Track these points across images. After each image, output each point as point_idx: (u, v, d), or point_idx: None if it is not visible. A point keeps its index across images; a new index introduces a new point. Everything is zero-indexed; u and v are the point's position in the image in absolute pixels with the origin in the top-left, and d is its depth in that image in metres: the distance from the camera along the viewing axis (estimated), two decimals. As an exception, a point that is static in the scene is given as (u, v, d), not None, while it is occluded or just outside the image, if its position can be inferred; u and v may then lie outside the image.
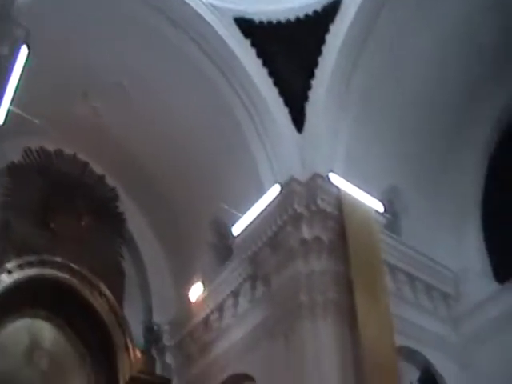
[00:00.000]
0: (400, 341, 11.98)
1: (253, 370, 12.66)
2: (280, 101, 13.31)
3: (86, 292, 14.38)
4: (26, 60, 10.05)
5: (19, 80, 10.17)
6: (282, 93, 13.35)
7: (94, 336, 14.50)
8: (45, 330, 14.25)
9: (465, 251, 14.91)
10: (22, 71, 10.11)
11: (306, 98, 13.25)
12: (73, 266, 14.31)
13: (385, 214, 13.13)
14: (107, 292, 14.59)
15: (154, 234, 16.48)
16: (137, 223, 16.43)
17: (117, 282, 15.23)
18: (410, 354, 13.06)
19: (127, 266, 16.00)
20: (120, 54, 13.37)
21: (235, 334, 13.42)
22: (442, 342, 13.80)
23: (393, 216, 14.01)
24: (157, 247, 16.44)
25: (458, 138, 15.08)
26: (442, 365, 13.48)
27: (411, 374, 12.64)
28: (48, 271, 14.02)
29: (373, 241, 12.23)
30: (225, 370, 13.46)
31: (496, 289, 13.98)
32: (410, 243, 14.03)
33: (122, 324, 14.53)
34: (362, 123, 13.35)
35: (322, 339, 11.15)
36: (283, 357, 11.49)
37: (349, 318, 11.31)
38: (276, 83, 13.35)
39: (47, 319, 14.32)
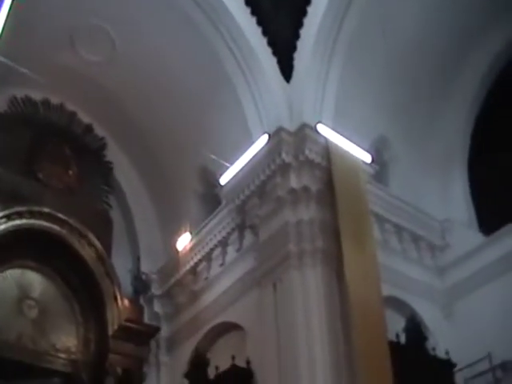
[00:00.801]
0: (386, 290, 12.14)
1: (241, 318, 12.80)
2: (268, 50, 13.22)
3: (75, 242, 14.45)
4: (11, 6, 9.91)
5: (3, 26, 10.02)
6: (271, 42, 13.25)
7: (83, 286, 14.62)
8: (34, 281, 14.34)
9: (451, 202, 15.09)
10: (7, 17, 9.97)
11: (294, 47, 13.16)
12: (61, 216, 14.34)
13: (372, 165, 13.17)
14: (95, 242, 14.65)
15: (142, 184, 16.49)
16: (125, 173, 16.44)
17: (105, 232, 15.30)
18: (396, 304, 13.26)
19: (115, 215, 16.08)
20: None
21: (223, 284, 13.55)
22: (427, 292, 14.06)
23: (380, 166, 14.06)
24: (144, 197, 16.48)
25: (446, 87, 15.13)
26: (427, 314, 13.73)
27: (397, 323, 12.67)
28: (36, 222, 14.06)
29: (360, 191, 12.30)
30: (213, 318, 13.60)
31: (481, 241, 14.17)
32: (397, 194, 14.18)
33: (110, 273, 14.62)
34: (350, 73, 13.26)
35: (310, 288, 11.26)
36: (272, 306, 11.61)
37: (336, 266, 11.43)
38: (264, 32, 13.23)
39: (36, 269, 14.41)
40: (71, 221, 14.47)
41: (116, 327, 14.24)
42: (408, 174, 14.87)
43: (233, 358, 12.04)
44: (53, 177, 15.08)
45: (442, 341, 13.45)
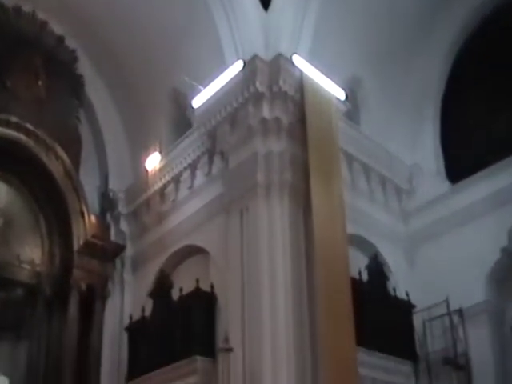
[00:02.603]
0: (352, 229, 12.51)
1: (207, 243, 13.06)
2: (247, -23, 13.05)
3: (42, 154, 14.54)
4: None
5: None
6: (249, -31, 13.05)
7: (49, 200, 14.81)
8: (0, 191, 14.53)
9: (420, 148, 15.37)
10: None
11: (273, -25, 13.00)
12: (29, 126, 14.38)
13: (345, 102, 13.27)
14: (63, 155, 14.73)
15: (113, 102, 16.41)
16: (95, 88, 16.29)
17: (73, 147, 15.33)
18: (360, 243, 13.71)
19: (84, 131, 16.05)
20: None
21: (191, 207, 13.73)
22: (391, 235, 14.54)
23: (353, 106, 14.20)
24: (115, 115, 16.42)
25: (423, 30, 15.13)
26: (390, 256, 14.25)
27: (360, 262, 13.18)
28: (4, 130, 14.12)
29: (331, 127, 12.42)
30: (179, 241, 13.86)
31: (448, 188, 14.57)
32: (368, 133, 14.37)
33: (78, 189, 14.78)
34: (329, 7, 13.16)
35: (276, 218, 11.53)
36: (237, 232, 11.90)
37: (303, 201, 11.69)
38: (243, -41, 13.03)
39: (3, 180, 14.59)
40: (39, 132, 14.51)
41: (82, 243, 14.50)
42: (380, 116, 15.02)
43: (197, 281, 12.37)
44: (22, 87, 14.92)
45: (403, 282, 14.05)
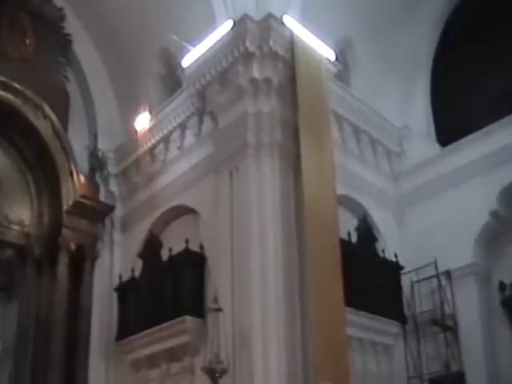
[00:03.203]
0: (341, 189, 12.61)
1: (196, 203, 13.13)
2: None
3: (30, 113, 14.47)
4: None
5: None
6: None
7: (38, 159, 14.79)
8: (-12, 152, 14.43)
9: (411, 110, 15.43)
10: None
11: None
12: (16, 85, 14.28)
13: (336, 63, 13.21)
14: (51, 115, 14.65)
15: (101, 61, 16.28)
16: (84, 47, 16.16)
17: (61, 106, 15.25)
18: (350, 203, 13.81)
19: (72, 90, 15.94)
20: None
21: (180, 167, 13.77)
22: (381, 196, 14.63)
23: (344, 67, 14.12)
24: (103, 74, 16.31)
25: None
26: (379, 217, 14.37)
27: (350, 223, 13.32)
28: (-9, 90, 13.95)
29: (322, 88, 12.40)
30: (168, 201, 13.92)
31: (438, 151, 14.66)
32: (358, 95, 14.33)
33: (66, 148, 14.72)
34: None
35: (266, 179, 11.58)
36: (227, 193, 11.94)
37: (293, 161, 11.73)
38: None
39: (-10, 140, 14.46)
40: (27, 91, 14.39)
41: (71, 203, 14.51)
42: (370, 78, 15.00)
43: (186, 241, 12.47)
44: (9, 45, 14.81)
45: (392, 244, 14.22)
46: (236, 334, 10.78)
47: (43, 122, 14.60)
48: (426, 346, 13.35)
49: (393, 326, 13.40)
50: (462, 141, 14.00)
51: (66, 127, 15.05)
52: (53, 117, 14.68)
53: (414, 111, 15.39)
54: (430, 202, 14.17)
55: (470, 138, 13.81)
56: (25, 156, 14.85)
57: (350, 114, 14.03)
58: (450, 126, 14.89)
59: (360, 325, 12.42)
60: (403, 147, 15.16)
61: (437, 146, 14.81)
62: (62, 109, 15.25)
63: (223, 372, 10.17)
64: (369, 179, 14.39)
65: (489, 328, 13.15)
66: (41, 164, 14.82)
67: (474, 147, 13.59)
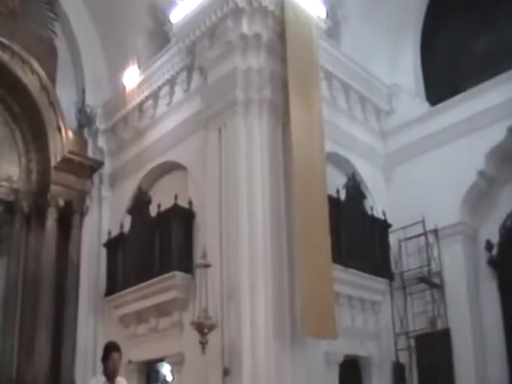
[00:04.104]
0: (330, 146, 12.76)
1: (185, 159, 13.21)
2: None
3: (17, 68, 14.41)
4: None
5: None
6: None
7: (26, 115, 14.81)
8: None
9: (401, 68, 15.45)
10: None
11: None
12: (3, 40, 14.21)
13: (326, 20, 13.20)
14: (39, 69, 14.60)
15: (89, 14, 16.19)
16: (71, 1, 16.06)
17: (49, 61, 15.18)
18: (338, 161, 13.95)
19: (60, 45, 15.86)
20: None
21: (169, 123, 13.79)
22: (370, 154, 14.78)
23: (334, 23, 14.11)
24: (91, 28, 16.24)
25: None
26: (367, 175, 14.52)
27: (338, 180, 13.40)
28: (-22, 46, 13.89)
29: (311, 44, 12.40)
30: (157, 157, 14.00)
31: (426, 110, 14.73)
32: (348, 53, 14.37)
33: (54, 104, 14.69)
34: None
35: (254, 135, 11.65)
36: (216, 149, 12.01)
37: (282, 118, 11.80)
38: None
39: (-22, 96, 14.43)
40: (14, 46, 14.33)
41: (59, 158, 14.55)
42: (360, 35, 14.99)
43: (175, 197, 12.58)
44: (-5, 1, 14.67)
45: (380, 202, 14.40)
46: (224, 289, 10.95)
47: (31, 77, 14.55)
48: (413, 303, 13.59)
49: (380, 284, 13.63)
50: (450, 100, 14.08)
51: (53, 82, 15.00)
52: (40, 72, 14.62)
53: (404, 69, 15.41)
54: (418, 160, 14.29)
55: (458, 97, 13.90)
56: (12, 112, 14.85)
57: (340, 71, 14.05)
58: (439, 85, 14.95)
59: (348, 282, 12.65)
60: (392, 105, 15.25)
61: (426, 105, 14.86)
62: (50, 64, 15.19)
63: (212, 327, 10.44)
64: (357, 136, 14.49)
65: (475, 286, 13.39)
66: (29, 120, 14.82)
67: (463, 107, 13.67)
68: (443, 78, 15.04)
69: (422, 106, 14.87)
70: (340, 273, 12.14)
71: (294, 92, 11.57)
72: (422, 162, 14.23)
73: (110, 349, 7.80)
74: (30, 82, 14.54)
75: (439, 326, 13.04)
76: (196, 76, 13.30)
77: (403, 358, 13.43)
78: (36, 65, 14.60)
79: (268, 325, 10.65)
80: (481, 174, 13.46)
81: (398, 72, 15.45)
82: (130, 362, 12.70)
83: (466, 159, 13.43)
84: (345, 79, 14.22)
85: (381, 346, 13.56)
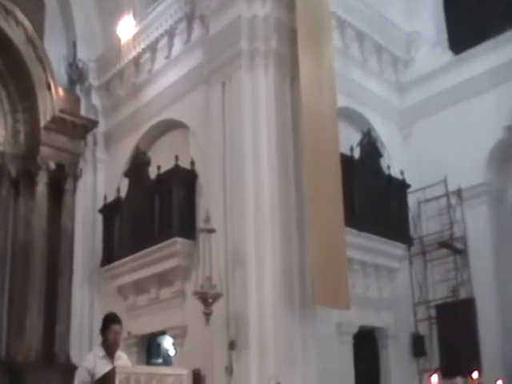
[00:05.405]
0: (342, 101, 12.72)
1: (186, 116, 13.27)
2: None
3: (1, 20, 14.36)
4: None
5: None
6: None
7: (11, 72, 14.79)
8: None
9: (420, 15, 15.17)
10: None
11: None
12: (-15, -12, 14.14)
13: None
14: (25, 21, 14.58)
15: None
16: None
17: (36, 11, 15.17)
18: (352, 116, 13.95)
19: (47, -5, 15.73)
20: None
21: (168, 78, 13.82)
22: (386, 108, 14.75)
23: (347, -35, 14.01)
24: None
25: None
26: (384, 131, 14.51)
27: (352, 137, 13.38)
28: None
29: (322, -11, 12.35)
30: (156, 115, 14.07)
31: (449, 59, 14.56)
32: (361, -3, 14.27)
33: (42, 58, 14.70)
34: None
35: (260, 89, 11.66)
36: (219, 105, 12.05)
37: (290, 70, 11.79)
38: None
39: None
40: (-5, -5, 14.26)
41: (49, 118, 14.60)
42: (376, -22, 14.86)
43: (176, 158, 12.67)
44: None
45: (397, 160, 14.40)
46: (229, 255, 11.08)
47: (15, 29, 14.52)
48: (433, 270, 13.73)
49: (397, 249, 13.74)
50: (475, 49, 13.91)
51: (41, 35, 14.99)
52: (26, 23, 14.60)
53: (424, 16, 15.15)
54: (439, 114, 14.18)
55: (484, 45, 13.74)
56: (-4, 71, 14.85)
57: (353, 17, 13.99)
58: (463, 32, 14.68)
59: (362, 247, 12.76)
60: (411, 54, 15.14)
61: (448, 54, 14.73)
62: (37, 15, 15.16)
63: (216, 296, 10.56)
64: (373, 89, 14.43)
65: (502, 251, 13.38)
66: (15, 77, 14.80)
67: (489, 56, 13.55)
68: (468, 24, 14.70)
69: (443, 55, 14.75)
70: (353, 237, 12.23)
71: (303, 41, 11.52)
72: (443, 117, 14.10)
73: (111, 319, 7.69)
74: (15, 34, 14.53)
75: (462, 294, 13.14)
76: (197, 26, 13.30)
77: (422, 329, 13.62)
78: (21, 15, 14.56)
79: (276, 294, 10.79)
80: (508, 129, 13.38)
81: (418, 18, 15.17)
82: (129, 333, 12.83)
83: (492, 114, 13.36)
84: (359, 27, 14.14)
85: (398, 317, 13.71)
